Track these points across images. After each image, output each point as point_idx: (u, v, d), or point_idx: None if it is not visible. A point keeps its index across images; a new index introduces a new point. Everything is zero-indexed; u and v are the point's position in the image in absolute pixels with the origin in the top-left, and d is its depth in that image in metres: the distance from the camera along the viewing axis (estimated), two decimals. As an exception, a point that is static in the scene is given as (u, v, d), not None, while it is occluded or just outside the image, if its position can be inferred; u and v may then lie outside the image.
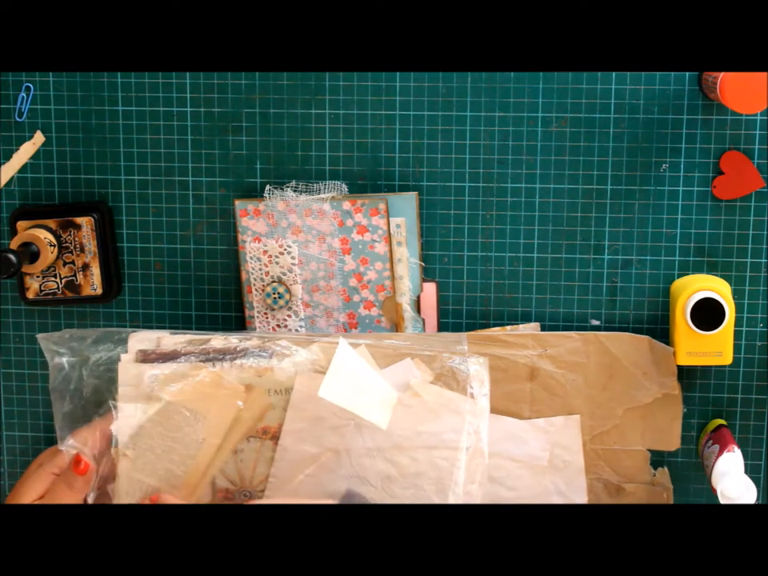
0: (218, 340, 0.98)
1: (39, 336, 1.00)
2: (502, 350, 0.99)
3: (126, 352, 0.97)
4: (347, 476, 0.96)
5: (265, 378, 0.96)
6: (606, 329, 1.02)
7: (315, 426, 0.96)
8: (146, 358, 0.97)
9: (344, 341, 0.96)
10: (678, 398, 0.99)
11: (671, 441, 1.00)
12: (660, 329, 1.02)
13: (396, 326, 1.03)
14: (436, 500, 0.95)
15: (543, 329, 1.03)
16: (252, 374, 0.96)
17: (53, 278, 1.04)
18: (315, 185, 1.02)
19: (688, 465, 1.04)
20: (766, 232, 1.00)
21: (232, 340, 0.98)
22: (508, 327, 1.02)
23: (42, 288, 1.04)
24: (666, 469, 1.02)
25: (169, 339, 0.98)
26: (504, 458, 0.99)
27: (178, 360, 0.96)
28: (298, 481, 0.96)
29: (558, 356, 0.99)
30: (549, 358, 0.99)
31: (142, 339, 0.98)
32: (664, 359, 0.98)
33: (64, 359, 0.99)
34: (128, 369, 0.96)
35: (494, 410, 0.98)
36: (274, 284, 1.03)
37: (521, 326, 1.02)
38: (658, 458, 1.03)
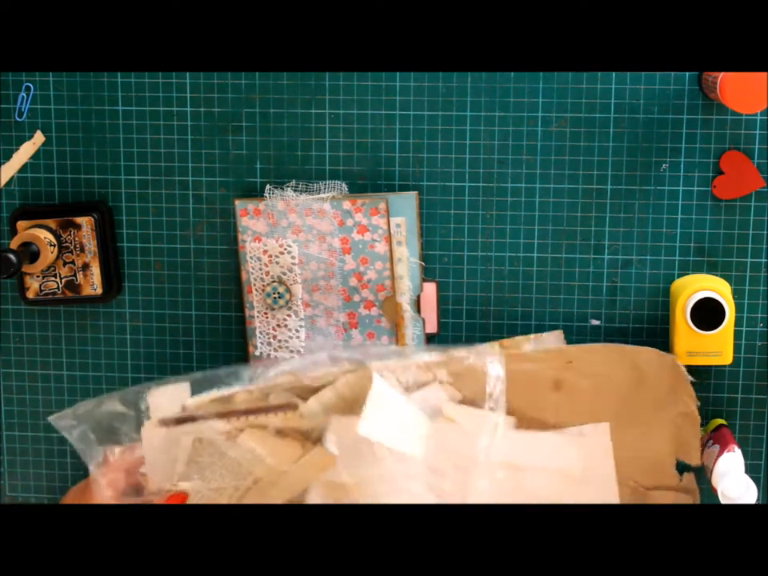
0: (242, 394, 0.95)
1: (51, 418, 0.97)
2: (525, 363, 0.96)
3: (145, 411, 0.96)
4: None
5: (289, 416, 0.94)
6: (606, 329, 1.02)
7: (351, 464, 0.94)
8: (168, 424, 0.95)
9: (377, 376, 0.93)
10: (696, 420, 0.98)
11: (692, 455, 0.99)
12: (660, 329, 1.02)
13: (396, 326, 1.03)
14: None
15: (543, 329, 1.03)
16: (280, 418, 0.94)
17: (53, 278, 1.03)
18: (315, 184, 1.02)
19: (688, 465, 1.03)
20: (765, 232, 1.00)
21: (255, 392, 0.94)
22: (532, 336, 1.00)
23: (42, 288, 1.04)
24: (692, 474, 1.00)
25: (191, 402, 0.95)
26: (535, 470, 0.97)
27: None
28: None
29: (582, 367, 0.97)
30: (574, 369, 0.97)
31: (160, 401, 0.96)
32: (685, 380, 0.97)
33: (85, 427, 0.96)
34: (152, 435, 0.94)
35: (520, 420, 0.97)
36: (274, 284, 1.03)
37: (544, 334, 1.00)
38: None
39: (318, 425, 0.94)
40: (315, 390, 0.95)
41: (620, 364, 0.97)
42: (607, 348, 0.98)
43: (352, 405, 0.92)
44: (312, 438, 0.94)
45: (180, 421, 0.94)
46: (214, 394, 0.96)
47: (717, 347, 0.97)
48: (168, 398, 0.97)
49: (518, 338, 1.00)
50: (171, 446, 0.94)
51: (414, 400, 0.95)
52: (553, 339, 1.01)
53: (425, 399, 0.95)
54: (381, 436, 0.90)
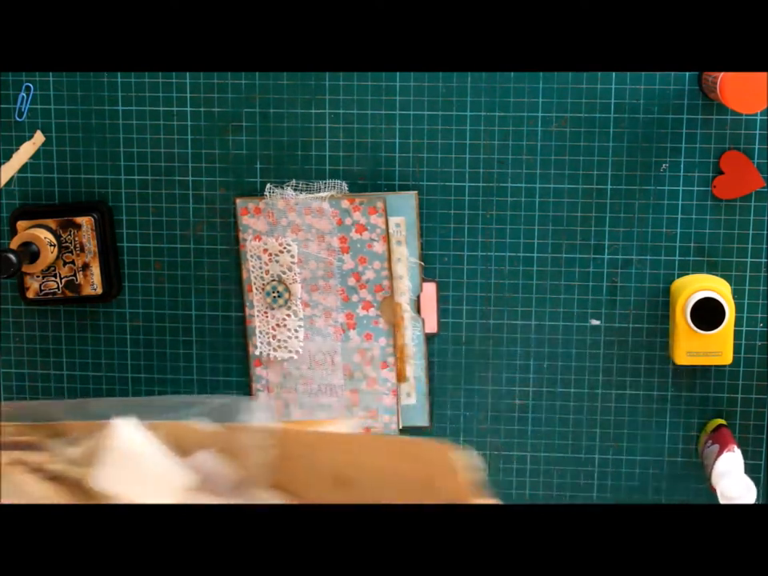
0: (9, 427, 0.85)
1: None
2: (304, 448, 0.80)
3: None
4: None
5: (50, 459, 0.86)
6: (606, 329, 1.02)
7: None
8: None
9: (121, 421, 0.82)
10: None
11: None
12: (660, 329, 1.02)
13: (394, 327, 1.03)
14: None
15: (543, 329, 1.03)
16: (31, 465, 0.86)
17: (53, 278, 1.04)
18: (315, 183, 1.02)
19: (688, 465, 1.04)
20: (765, 232, 1.00)
21: (23, 428, 0.84)
22: (325, 421, 0.85)
23: (42, 288, 1.04)
24: None
25: None
26: None
27: None
28: None
29: (364, 461, 0.79)
30: (353, 462, 0.79)
31: None
32: (460, 470, 0.74)
33: None
34: None
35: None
36: (274, 282, 1.03)
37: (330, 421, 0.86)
38: (658, 458, 1.03)
39: (80, 474, 0.81)
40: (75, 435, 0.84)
41: (403, 457, 0.79)
42: (388, 440, 0.85)
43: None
44: (82, 486, 0.81)
45: None
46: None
47: (717, 347, 0.97)
48: None
49: (306, 421, 0.89)
50: None
51: (185, 465, 0.82)
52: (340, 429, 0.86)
53: (195, 464, 0.83)
54: (120, 488, 0.80)
